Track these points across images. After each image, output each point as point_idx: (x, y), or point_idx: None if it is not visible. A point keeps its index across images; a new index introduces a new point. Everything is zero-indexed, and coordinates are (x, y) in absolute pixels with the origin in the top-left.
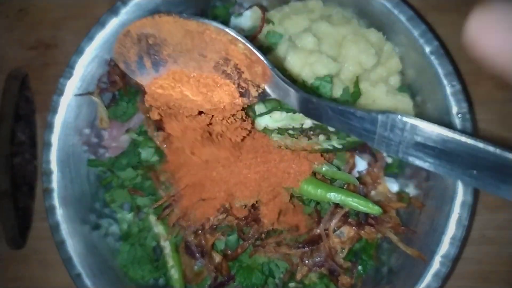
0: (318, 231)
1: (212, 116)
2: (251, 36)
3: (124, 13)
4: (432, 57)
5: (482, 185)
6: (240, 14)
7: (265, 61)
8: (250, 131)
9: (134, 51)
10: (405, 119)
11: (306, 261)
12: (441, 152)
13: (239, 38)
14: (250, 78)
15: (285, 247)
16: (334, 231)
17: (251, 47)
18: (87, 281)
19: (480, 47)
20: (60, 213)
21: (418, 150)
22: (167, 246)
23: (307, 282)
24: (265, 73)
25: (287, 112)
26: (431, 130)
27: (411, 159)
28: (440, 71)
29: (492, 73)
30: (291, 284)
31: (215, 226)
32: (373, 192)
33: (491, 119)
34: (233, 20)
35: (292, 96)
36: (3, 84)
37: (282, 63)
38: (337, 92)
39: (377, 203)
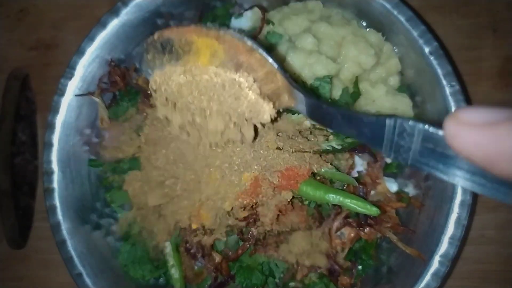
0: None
1: None
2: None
3: (125, 13)
4: (432, 58)
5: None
6: (240, 15)
7: (275, 65)
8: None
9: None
10: (412, 123)
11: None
12: (452, 157)
13: (255, 46)
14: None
15: (285, 247)
16: (335, 232)
17: (265, 54)
18: (87, 280)
19: (459, 143)
20: (60, 213)
21: (428, 156)
22: (167, 246)
23: (307, 282)
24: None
25: (286, 113)
26: (441, 134)
27: (421, 166)
28: (439, 71)
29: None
30: (291, 284)
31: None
32: (372, 192)
33: None
34: (233, 21)
35: (301, 101)
36: (4, 84)
37: (282, 63)
38: (337, 93)
39: (376, 203)
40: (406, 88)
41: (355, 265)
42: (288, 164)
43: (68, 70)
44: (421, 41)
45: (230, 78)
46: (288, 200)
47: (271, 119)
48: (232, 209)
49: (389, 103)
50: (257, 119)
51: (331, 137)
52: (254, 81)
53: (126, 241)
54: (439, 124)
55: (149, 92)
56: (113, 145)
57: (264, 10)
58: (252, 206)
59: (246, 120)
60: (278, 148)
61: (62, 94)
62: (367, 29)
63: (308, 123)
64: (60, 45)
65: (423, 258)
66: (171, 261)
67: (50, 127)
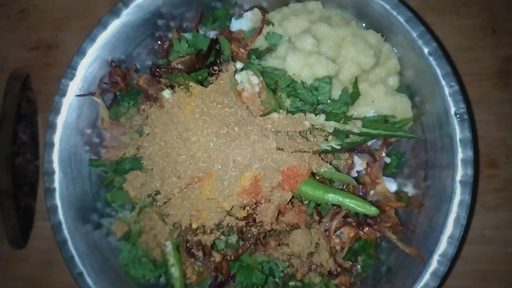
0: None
1: None
2: (252, 37)
3: (125, 14)
4: (431, 58)
5: None
6: (240, 16)
7: None
8: None
9: None
10: None
11: (306, 261)
12: None
13: None
14: None
15: (285, 247)
16: (335, 231)
17: None
18: (88, 280)
19: None
20: (61, 212)
21: None
22: (168, 245)
23: (307, 281)
24: None
25: (287, 113)
26: None
27: None
28: (438, 71)
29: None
30: (291, 283)
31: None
32: (372, 192)
33: (489, 119)
34: (234, 22)
35: None
36: (5, 84)
37: (282, 64)
38: (336, 93)
39: (376, 203)
40: (406, 88)
41: (355, 265)
42: (288, 164)
43: (69, 71)
44: (420, 42)
45: None
46: (288, 200)
47: None
48: (232, 208)
49: (388, 103)
50: None
51: (330, 137)
52: None
53: (127, 240)
54: None
55: (149, 92)
56: (114, 145)
57: (264, 11)
58: (252, 206)
59: None
60: (278, 149)
61: (63, 94)
62: (367, 30)
63: (307, 123)
64: (61, 46)
65: (422, 257)
66: (171, 260)
67: (51, 127)
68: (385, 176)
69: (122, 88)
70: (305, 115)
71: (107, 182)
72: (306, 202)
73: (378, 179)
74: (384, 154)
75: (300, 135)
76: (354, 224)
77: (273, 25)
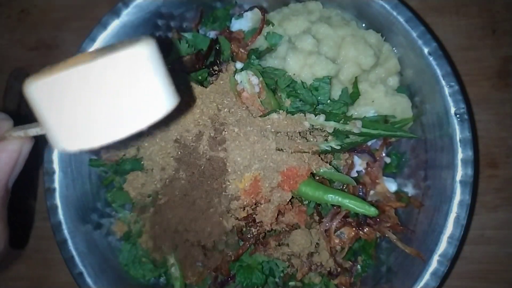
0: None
1: None
2: (252, 37)
3: (125, 14)
4: (431, 58)
5: None
6: (240, 16)
7: None
8: None
9: None
10: None
11: (306, 261)
12: None
13: None
14: None
15: (285, 247)
16: (335, 231)
17: None
18: (88, 280)
19: None
20: (61, 212)
21: None
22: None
23: (307, 281)
24: None
25: (287, 114)
26: None
27: None
28: (438, 71)
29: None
30: (291, 283)
31: None
32: (372, 192)
33: (489, 119)
34: (234, 22)
35: None
36: (5, 84)
37: (282, 64)
38: (336, 93)
39: (376, 203)
40: (406, 88)
41: (355, 265)
42: (288, 164)
43: None
44: (420, 42)
45: None
46: (288, 200)
47: None
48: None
49: (388, 103)
50: None
51: (330, 137)
52: None
53: (127, 240)
54: None
55: None
56: (114, 145)
57: (264, 11)
58: (251, 206)
59: None
60: (277, 149)
61: None
62: (367, 30)
63: (307, 123)
64: (61, 46)
65: (422, 257)
66: (171, 260)
67: None
68: (385, 176)
69: None
70: (305, 116)
71: (107, 182)
72: (306, 202)
73: (378, 179)
74: (384, 154)
75: (300, 135)
76: (354, 224)
77: (273, 25)
